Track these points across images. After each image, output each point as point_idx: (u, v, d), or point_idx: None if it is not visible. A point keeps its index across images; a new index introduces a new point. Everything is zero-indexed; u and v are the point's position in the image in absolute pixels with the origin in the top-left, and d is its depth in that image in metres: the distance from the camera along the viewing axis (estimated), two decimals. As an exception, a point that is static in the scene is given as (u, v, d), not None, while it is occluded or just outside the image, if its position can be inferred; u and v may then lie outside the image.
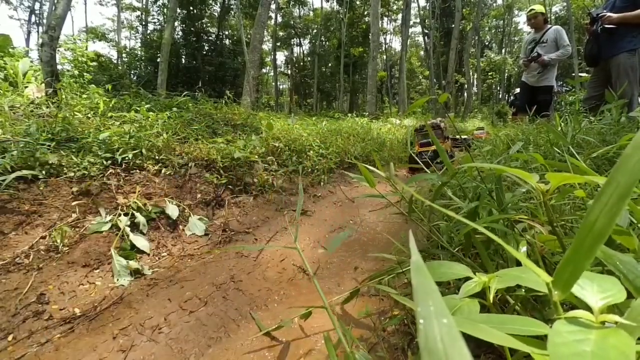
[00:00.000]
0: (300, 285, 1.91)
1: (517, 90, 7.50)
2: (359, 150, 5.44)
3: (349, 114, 10.88)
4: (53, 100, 3.70)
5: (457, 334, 0.22)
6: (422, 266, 0.26)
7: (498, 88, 34.84)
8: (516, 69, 29.78)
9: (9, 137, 2.52)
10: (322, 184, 4.04)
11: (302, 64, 33.48)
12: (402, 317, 1.38)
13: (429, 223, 1.48)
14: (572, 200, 1.29)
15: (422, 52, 36.96)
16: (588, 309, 0.40)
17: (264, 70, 31.20)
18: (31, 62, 6.04)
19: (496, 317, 0.47)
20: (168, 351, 1.37)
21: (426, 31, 27.72)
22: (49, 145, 2.57)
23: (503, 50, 35.97)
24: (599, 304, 0.40)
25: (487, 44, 38.02)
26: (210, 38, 23.30)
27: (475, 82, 30.85)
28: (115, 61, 20.84)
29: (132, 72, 20.85)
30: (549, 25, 4.62)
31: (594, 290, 0.42)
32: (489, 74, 31.84)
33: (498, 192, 1.04)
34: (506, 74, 32.60)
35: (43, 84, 4.25)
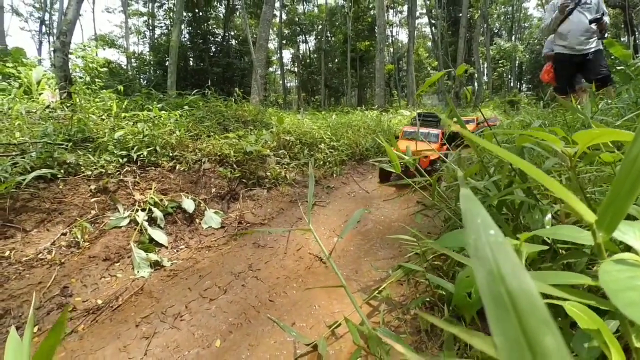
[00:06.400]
0: (318, 273, 1.90)
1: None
2: (370, 142, 5.40)
3: (358, 108, 10.81)
4: (68, 104, 3.77)
5: (504, 240, 0.22)
6: (470, 194, 0.27)
7: (509, 76, 34.06)
8: (527, 56, 29.09)
9: (27, 139, 2.59)
10: (334, 175, 4.03)
11: (308, 60, 33.35)
12: (424, 299, 1.37)
13: (449, 205, 1.46)
14: (595, 172, 1.25)
15: (429, 43, 36.41)
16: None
17: (270, 69, 31.21)
18: (45, 70, 6.18)
19: (535, 272, 0.46)
20: (190, 337, 1.39)
21: (433, 21, 27.29)
22: (66, 146, 2.62)
23: (513, 37, 35.12)
24: (644, 247, 0.38)
25: (496, 31, 37.20)
26: (216, 39, 23.43)
27: (485, 71, 30.29)
28: (125, 67, 21.18)
29: (142, 76, 21.16)
30: None
31: (637, 235, 0.40)
32: (500, 62, 31.14)
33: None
34: (517, 62, 31.86)
35: (57, 89, 4.34)
